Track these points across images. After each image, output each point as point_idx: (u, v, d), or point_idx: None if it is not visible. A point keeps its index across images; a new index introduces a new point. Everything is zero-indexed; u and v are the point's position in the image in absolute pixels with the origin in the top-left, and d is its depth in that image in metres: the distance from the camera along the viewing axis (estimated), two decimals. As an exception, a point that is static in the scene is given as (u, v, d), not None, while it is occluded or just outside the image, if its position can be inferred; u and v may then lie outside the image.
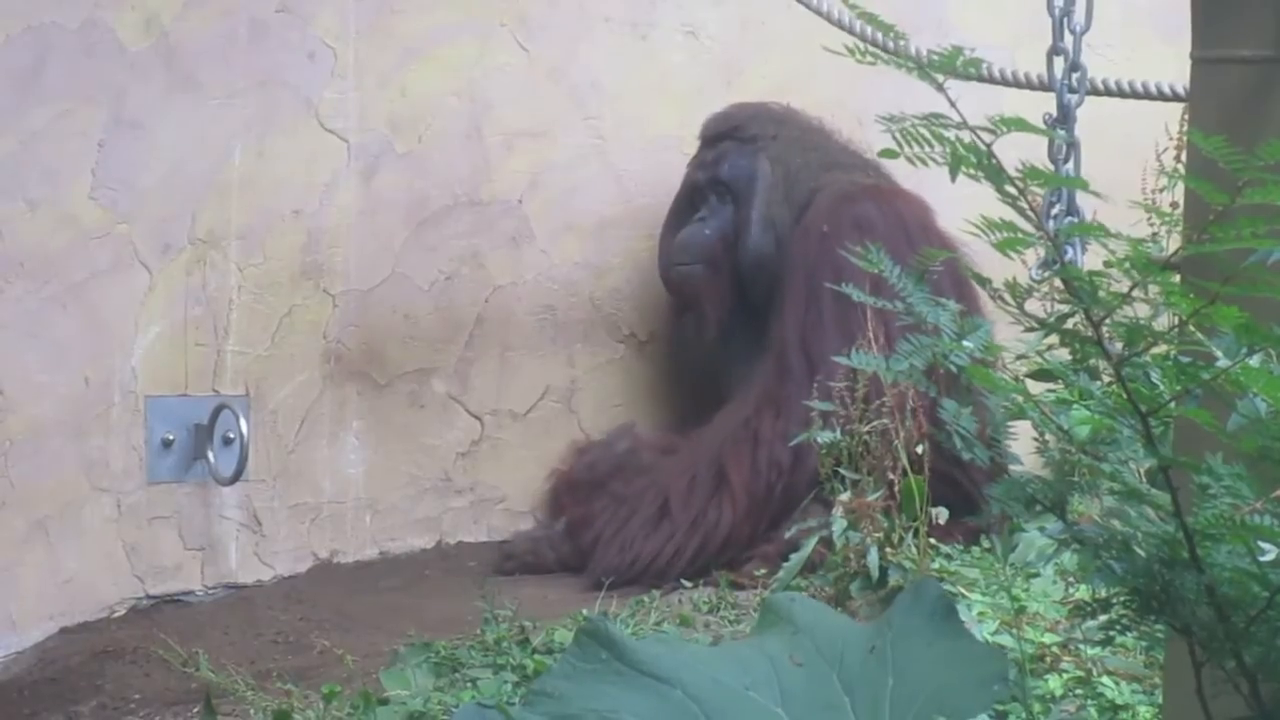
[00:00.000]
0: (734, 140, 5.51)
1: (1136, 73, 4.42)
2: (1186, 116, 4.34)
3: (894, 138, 2.13)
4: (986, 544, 4.72)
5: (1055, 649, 4.01)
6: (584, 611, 4.61)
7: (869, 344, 4.55)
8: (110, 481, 5.06)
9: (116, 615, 5.05)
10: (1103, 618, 2.29)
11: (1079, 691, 3.87)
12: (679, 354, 5.71)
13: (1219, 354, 2.12)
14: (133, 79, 5.07)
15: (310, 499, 5.37)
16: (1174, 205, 4.95)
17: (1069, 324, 2.25)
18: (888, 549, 4.46)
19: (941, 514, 4.58)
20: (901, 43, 2.22)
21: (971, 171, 2.13)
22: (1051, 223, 3.73)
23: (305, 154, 5.34)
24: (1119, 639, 2.32)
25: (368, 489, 5.46)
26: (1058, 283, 3.21)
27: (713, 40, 5.83)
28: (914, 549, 4.46)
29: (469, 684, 4.22)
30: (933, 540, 4.55)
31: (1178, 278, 2.17)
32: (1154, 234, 5.06)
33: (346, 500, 5.43)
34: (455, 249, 5.55)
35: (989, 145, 2.12)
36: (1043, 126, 3.06)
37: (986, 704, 2.23)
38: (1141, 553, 2.19)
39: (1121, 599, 2.24)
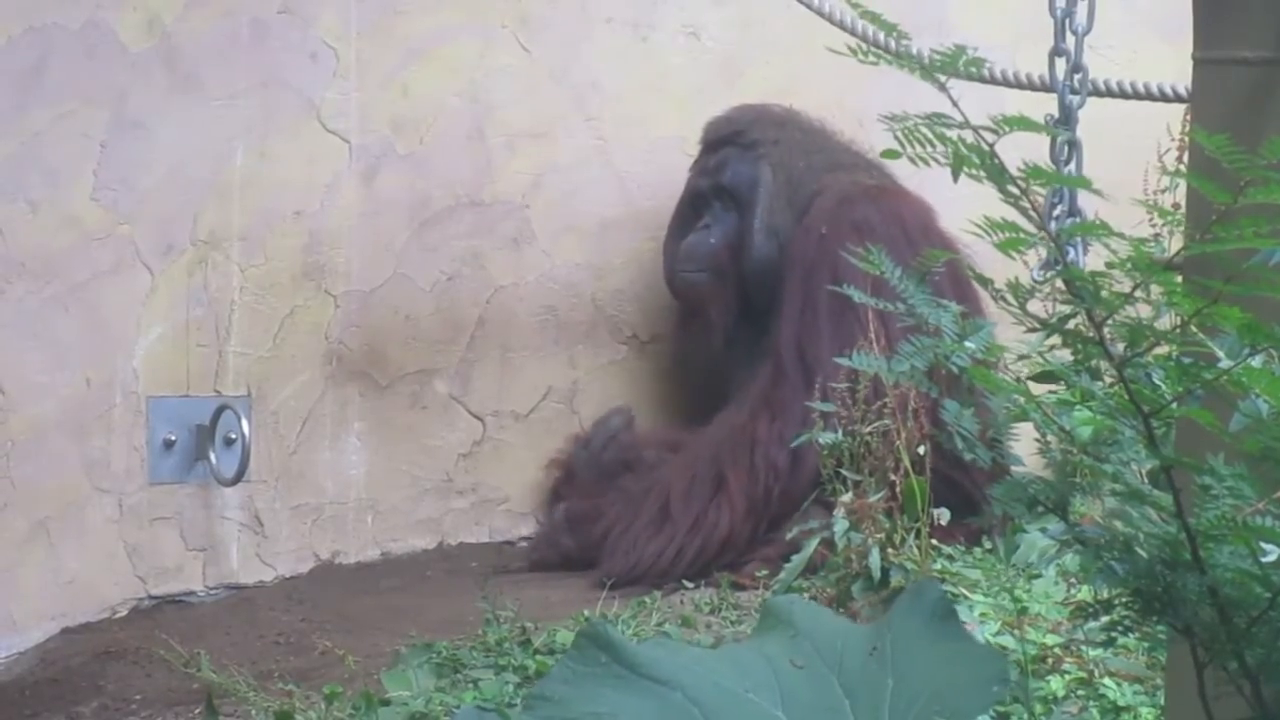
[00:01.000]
0: (736, 146, 5.49)
1: (1138, 73, 4.42)
2: (1188, 117, 4.34)
3: (896, 137, 2.13)
4: (988, 545, 4.72)
5: (1057, 650, 4.01)
6: (585, 613, 4.60)
7: (869, 345, 4.55)
8: (112, 482, 5.06)
9: (118, 616, 5.05)
10: (1105, 619, 2.29)
11: (1081, 693, 3.87)
12: (683, 357, 5.71)
13: (1221, 354, 2.12)
14: (134, 80, 5.07)
15: (312, 500, 5.37)
16: (1176, 205, 4.94)
17: (1071, 324, 2.25)
18: (889, 550, 4.46)
19: (943, 515, 4.57)
20: (904, 43, 2.21)
21: (974, 171, 2.13)
22: (1053, 223, 3.73)
23: (307, 155, 5.34)
24: (1121, 640, 2.32)
25: (369, 490, 5.46)
26: (1060, 283, 3.20)
27: (714, 41, 5.83)
28: (915, 550, 4.46)
29: (470, 685, 4.22)
30: (934, 541, 4.55)
31: (1180, 278, 2.16)
32: (1156, 234, 5.05)
33: (348, 501, 5.43)
34: (457, 250, 5.55)
35: (991, 145, 2.12)
36: (1045, 126, 3.06)
37: (987, 705, 2.23)
38: (1143, 554, 2.18)
39: (1123, 600, 2.23)
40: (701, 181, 5.52)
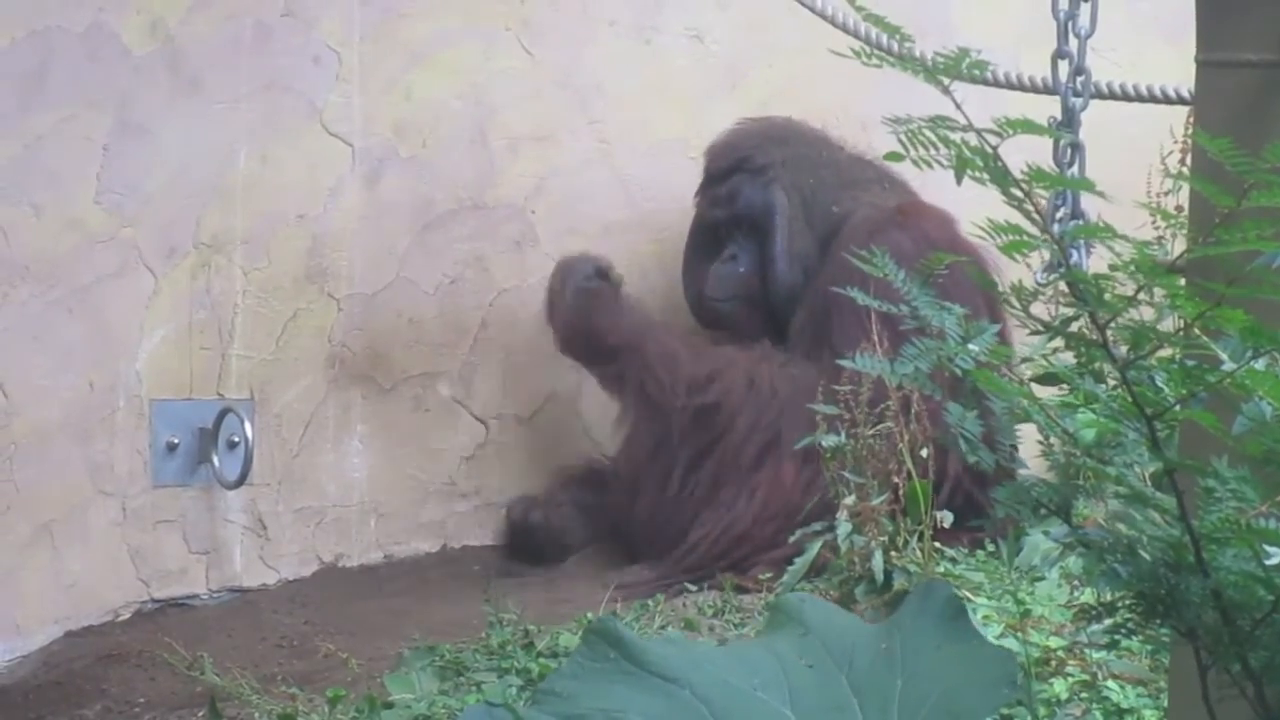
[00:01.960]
0: (745, 172, 5.44)
1: (1141, 76, 4.42)
2: (1191, 119, 4.34)
3: (900, 140, 2.13)
4: (991, 547, 4.72)
5: (1060, 653, 4.01)
6: (589, 615, 4.61)
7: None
8: (115, 485, 5.06)
9: (121, 619, 5.05)
10: (1108, 621, 2.29)
11: (1084, 695, 3.87)
12: None
13: (1224, 357, 2.12)
14: (137, 83, 5.07)
15: (315, 503, 5.37)
16: (1179, 208, 4.95)
17: (1074, 327, 2.26)
18: (892, 553, 4.46)
19: (946, 518, 4.57)
20: (907, 46, 2.22)
21: (977, 174, 2.13)
22: (1057, 225, 3.74)
23: (310, 158, 5.34)
24: (1124, 643, 2.33)
25: (372, 493, 5.46)
26: (1063, 286, 3.21)
27: (717, 44, 5.83)
28: (918, 553, 4.46)
29: (474, 687, 4.22)
30: (938, 544, 4.55)
31: (1183, 281, 2.17)
32: (1159, 237, 5.06)
33: (351, 504, 5.43)
34: (460, 253, 5.55)
35: (994, 148, 2.12)
36: (1048, 128, 3.06)
37: (996, 706, 2.23)
38: (1147, 556, 2.19)
39: (1127, 603, 2.24)
40: (717, 212, 5.48)
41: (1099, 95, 4.20)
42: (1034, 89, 4.28)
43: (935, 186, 5.20)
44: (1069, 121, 4.04)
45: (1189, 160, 4.57)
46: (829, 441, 4.66)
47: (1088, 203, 3.89)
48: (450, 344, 5.55)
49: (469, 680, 4.27)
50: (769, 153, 5.44)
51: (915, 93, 2.38)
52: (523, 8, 5.60)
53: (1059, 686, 3.88)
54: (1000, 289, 2.34)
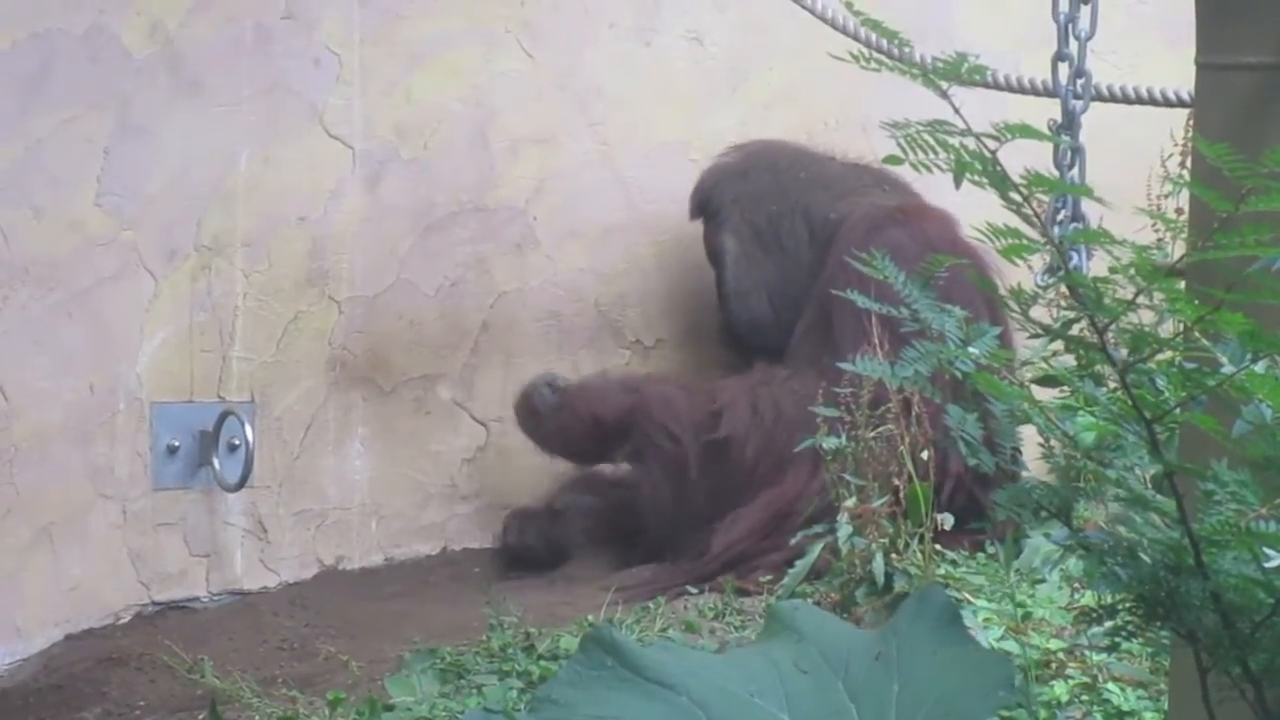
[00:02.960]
0: (704, 216, 5.65)
1: (1141, 79, 4.43)
2: (1191, 123, 4.34)
3: (898, 144, 2.13)
4: (992, 550, 4.72)
5: (1061, 655, 4.01)
6: (589, 618, 4.61)
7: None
8: (115, 488, 5.06)
9: (122, 622, 5.05)
10: (1108, 624, 2.29)
11: (1084, 698, 3.87)
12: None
13: (1224, 360, 2.12)
14: (138, 85, 5.07)
15: (315, 505, 5.37)
16: (1179, 211, 4.94)
17: (1074, 330, 2.25)
18: (893, 555, 4.46)
19: (947, 520, 4.57)
20: (906, 49, 2.22)
21: (976, 178, 2.13)
22: (1056, 229, 3.74)
23: (310, 160, 5.34)
24: (1124, 645, 2.33)
25: (373, 495, 5.46)
26: (1063, 289, 3.21)
27: (717, 46, 5.83)
28: (919, 555, 4.46)
29: (474, 690, 4.22)
30: (938, 546, 4.55)
31: (1182, 284, 2.17)
32: (1159, 240, 5.06)
33: (352, 506, 5.43)
34: (460, 255, 5.55)
35: (993, 152, 2.13)
36: (1047, 132, 3.06)
37: (992, 710, 2.23)
38: (1147, 559, 2.19)
39: (1127, 605, 2.24)
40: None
41: (1099, 98, 4.20)
42: (1034, 91, 4.28)
43: (938, 189, 5.21)
44: (1069, 124, 4.04)
45: (1189, 163, 4.57)
46: (830, 444, 4.66)
47: (1088, 205, 3.89)
48: (451, 346, 5.55)
49: (470, 683, 4.27)
50: (723, 193, 5.60)
51: (916, 95, 2.38)
52: (523, 10, 5.60)
53: (1059, 689, 3.88)
54: (1001, 290, 2.34)
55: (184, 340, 5.18)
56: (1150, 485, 2.36)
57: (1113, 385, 2.21)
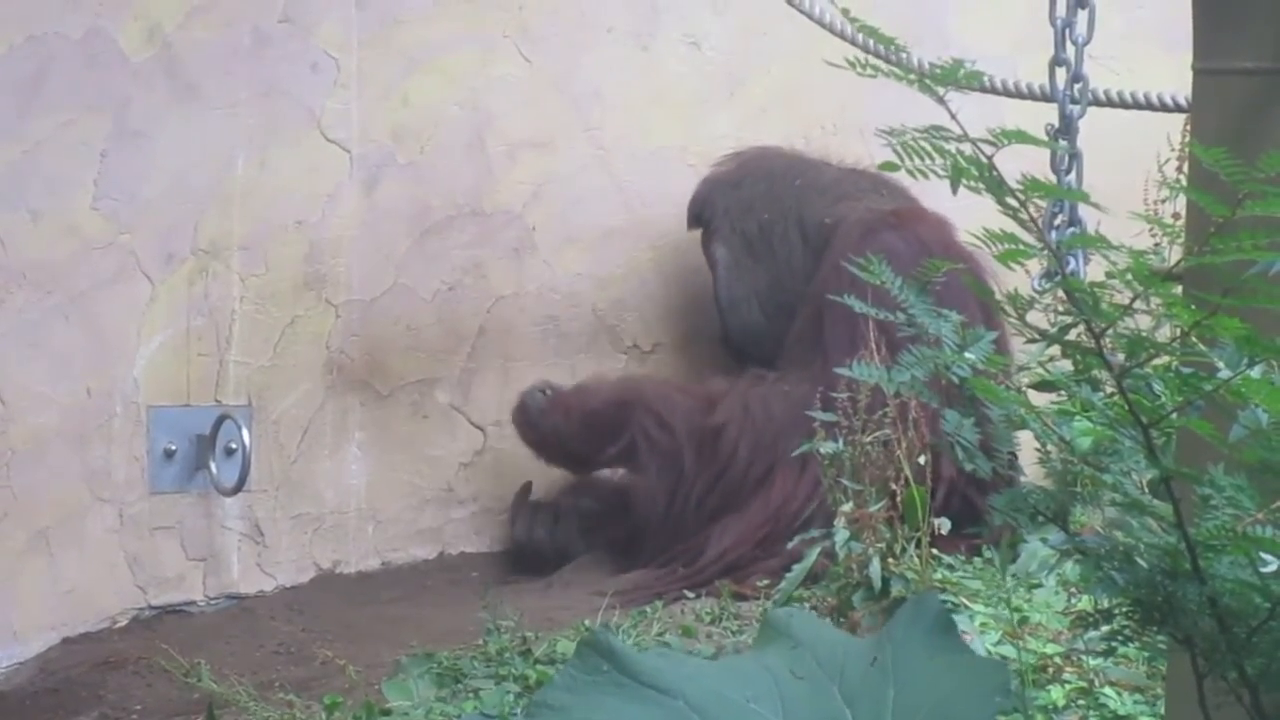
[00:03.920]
0: (699, 227, 5.67)
1: (1138, 84, 4.42)
2: (1188, 128, 4.34)
3: (895, 151, 2.13)
4: (989, 555, 4.72)
5: (1057, 660, 4.00)
6: (586, 623, 4.60)
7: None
8: (112, 492, 5.06)
9: (118, 626, 5.05)
10: (1105, 628, 2.29)
11: (1081, 702, 3.87)
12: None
13: (1220, 365, 2.12)
14: (135, 89, 5.07)
15: (312, 509, 5.37)
16: (1176, 216, 4.94)
17: (1071, 335, 2.26)
18: (890, 560, 4.46)
19: (943, 525, 4.57)
20: (902, 54, 2.22)
21: (973, 184, 2.13)
22: (1053, 234, 3.74)
23: (307, 164, 5.34)
24: (1121, 650, 2.33)
25: (370, 499, 5.46)
26: (1060, 294, 3.21)
27: (715, 51, 5.83)
28: (916, 560, 4.46)
29: (471, 694, 4.22)
30: (935, 551, 4.54)
31: (1179, 289, 2.17)
32: (1156, 245, 5.06)
33: (349, 511, 5.43)
34: (458, 260, 5.55)
35: (990, 157, 2.13)
36: (1044, 138, 3.06)
37: (989, 715, 2.23)
38: (1143, 564, 2.19)
39: (1123, 610, 2.24)
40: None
41: (1096, 103, 4.20)
42: (1031, 96, 4.27)
43: (936, 194, 5.21)
44: (1066, 129, 4.03)
45: (1185, 169, 4.56)
46: (827, 449, 4.66)
47: (1085, 210, 3.89)
48: (448, 350, 5.55)
49: (467, 687, 4.27)
50: (716, 203, 5.63)
51: (914, 100, 2.38)
52: (521, 14, 5.60)
53: (1056, 693, 3.88)
54: (997, 295, 2.34)
55: (181, 344, 5.18)
56: (1147, 490, 2.36)
57: (1109, 390, 2.21)
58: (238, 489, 5.18)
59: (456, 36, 5.55)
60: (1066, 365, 4.39)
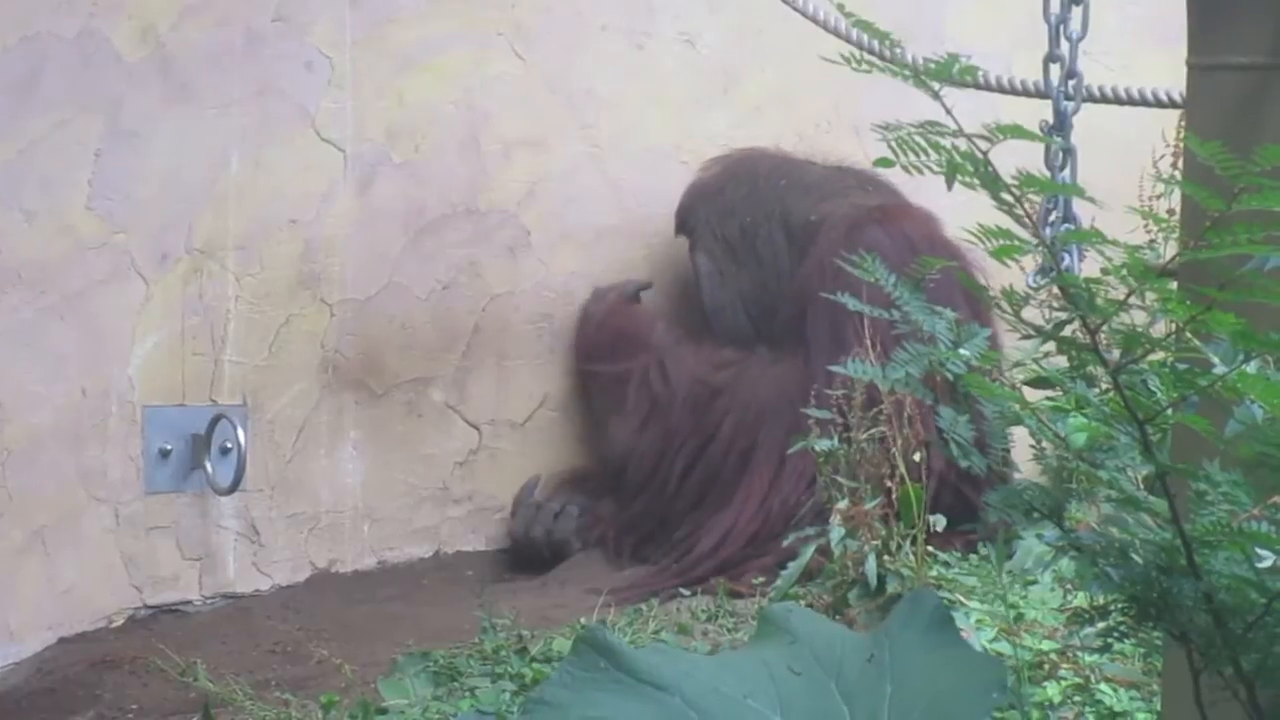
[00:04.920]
0: (684, 235, 5.70)
1: (1133, 79, 4.42)
2: (1183, 123, 4.34)
3: (890, 146, 2.13)
4: (984, 551, 4.72)
5: (1053, 656, 4.01)
6: (582, 620, 4.61)
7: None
8: (108, 491, 5.06)
9: (114, 625, 5.05)
10: (1101, 625, 2.29)
11: (1077, 698, 3.87)
12: None
13: (1216, 360, 2.12)
14: (129, 89, 5.06)
15: (308, 509, 5.37)
16: (1171, 212, 4.94)
17: (1066, 331, 2.25)
18: (885, 557, 4.46)
19: (939, 522, 4.57)
20: (897, 50, 2.22)
21: (968, 179, 2.13)
22: (1048, 230, 3.74)
23: (302, 164, 5.34)
24: (1117, 646, 2.33)
25: (365, 498, 5.46)
26: (1055, 290, 3.21)
27: (710, 49, 5.83)
28: (912, 557, 4.46)
29: (467, 693, 4.22)
30: (931, 548, 4.55)
31: (1175, 284, 2.17)
32: (1151, 240, 5.05)
33: (344, 510, 5.43)
34: (453, 258, 5.55)
35: (985, 153, 2.12)
36: (1039, 133, 3.06)
37: (985, 711, 2.23)
38: (1139, 560, 2.19)
39: (1119, 606, 2.24)
40: None
41: (1091, 98, 4.20)
42: (1026, 93, 4.27)
43: (927, 191, 5.21)
44: (1061, 125, 4.04)
45: (1180, 164, 4.57)
46: (822, 445, 4.66)
47: (1080, 206, 3.89)
48: (443, 349, 5.55)
49: (463, 685, 4.27)
50: (698, 211, 5.66)
51: (908, 97, 2.38)
52: (514, 13, 5.60)
53: (1052, 690, 3.88)
54: (986, 290, 2.34)
55: (176, 343, 5.18)
56: (1142, 486, 2.36)
57: (1105, 386, 2.20)
58: (233, 488, 5.18)
59: (450, 35, 5.55)
60: (1062, 361, 4.40)
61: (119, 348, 5.09)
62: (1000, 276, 2.41)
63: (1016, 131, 2.14)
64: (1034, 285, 3.49)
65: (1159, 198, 5.20)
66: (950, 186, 2.14)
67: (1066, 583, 4.35)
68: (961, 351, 2.25)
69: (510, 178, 5.62)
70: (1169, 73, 3.60)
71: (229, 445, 5.19)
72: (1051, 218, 3.89)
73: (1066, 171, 3.98)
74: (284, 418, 5.33)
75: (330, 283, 5.38)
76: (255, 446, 5.25)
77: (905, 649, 2.31)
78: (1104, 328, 2.13)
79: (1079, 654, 3.97)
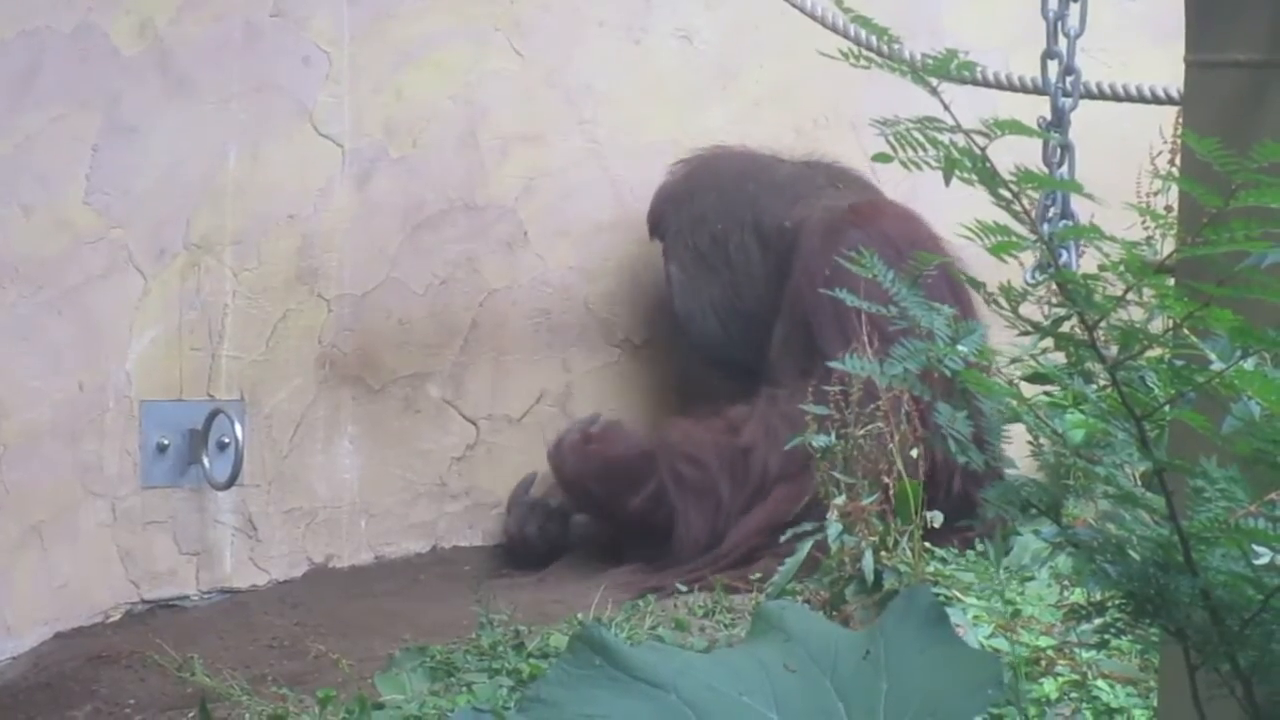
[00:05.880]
0: (657, 239, 5.69)
1: (1130, 76, 4.42)
2: (1181, 120, 4.34)
3: (888, 142, 2.13)
4: (981, 547, 4.72)
5: (1050, 652, 4.01)
6: (579, 616, 4.61)
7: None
8: (105, 486, 5.05)
9: (111, 620, 5.05)
10: (1097, 621, 2.29)
11: (1074, 695, 3.87)
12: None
13: (1213, 357, 2.12)
14: (127, 83, 5.06)
15: (305, 504, 5.37)
16: (1168, 208, 4.94)
17: (1064, 327, 2.25)
18: (883, 553, 4.46)
19: (936, 518, 4.57)
20: (895, 46, 2.22)
21: (966, 175, 2.13)
22: (1046, 226, 3.74)
23: (300, 159, 5.34)
24: (1114, 642, 2.32)
25: (363, 493, 5.45)
26: (1053, 286, 3.21)
27: (707, 45, 5.83)
28: (909, 553, 4.46)
29: (464, 688, 4.22)
30: (928, 544, 4.55)
31: (1172, 281, 2.17)
32: (1149, 237, 5.05)
33: (341, 505, 5.43)
34: (450, 254, 5.55)
35: (983, 149, 2.12)
36: (1037, 129, 3.05)
37: (980, 708, 2.23)
38: (1136, 556, 2.19)
39: (1116, 602, 2.24)
40: None
41: (1089, 95, 4.20)
42: (1024, 89, 4.28)
43: (910, 185, 5.24)
44: (1058, 122, 4.04)
45: (1178, 160, 4.57)
46: (819, 442, 4.66)
47: (1078, 202, 3.89)
48: (440, 345, 5.55)
49: (460, 681, 4.27)
50: (667, 219, 5.65)
51: (906, 93, 2.38)
52: (513, 8, 5.60)
53: (1049, 686, 3.88)
54: (981, 285, 2.34)
55: (173, 338, 5.18)
56: (1139, 482, 2.36)
57: (1102, 382, 2.20)
58: (230, 483, 5.18)
59: (448, 30, 5.54)
60: (1059, 357, 4.40)
61: (116, 343, 5.09)
62: (985, 271, 2.40)
63: (1014, 127, 2.14)
64: (1032, 281, 3.49)
65: (1157, 194, 5.20)
66: (948, 182, 2.14)
67: (1063, 579, 4.35)
68: (959, 348, 2.25)
69: (508, 173, 5.61)
70: (1167, 69, 3.60)
71: (226, 440, 5.19)
72: (1050, 214, 3.89)
73: (1065, 168, 3.98)
74: (281, 413, 5.33)
75: (328, 278, 5.38)
76: (252, 441, 5.25)
77: (900, 646, 2.31)
78: (1102, 324, 2.13)
79: (1076, 650, 3.97)
